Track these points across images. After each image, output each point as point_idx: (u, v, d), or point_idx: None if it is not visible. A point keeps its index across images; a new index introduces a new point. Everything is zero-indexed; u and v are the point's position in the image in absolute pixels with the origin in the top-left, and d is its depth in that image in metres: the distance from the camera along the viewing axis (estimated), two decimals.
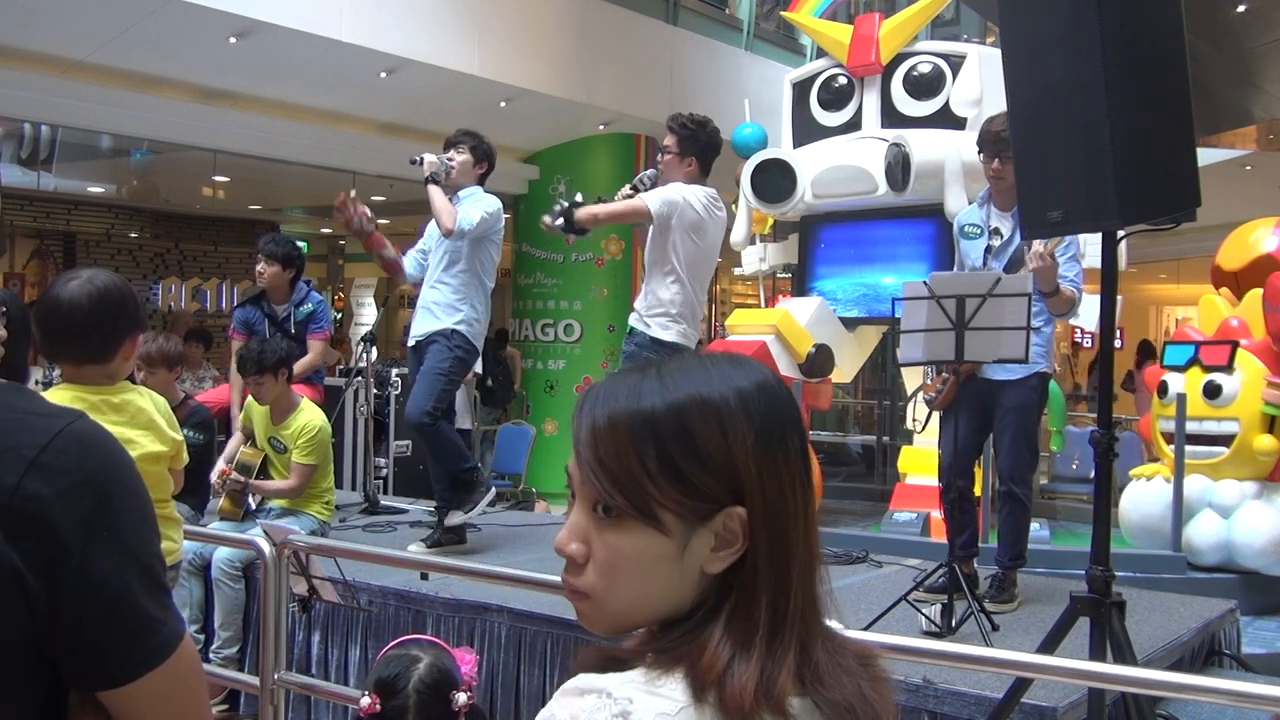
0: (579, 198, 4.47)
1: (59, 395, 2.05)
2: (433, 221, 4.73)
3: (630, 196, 4.46)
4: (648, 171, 4.61)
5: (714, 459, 0.88)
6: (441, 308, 4.73)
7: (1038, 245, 3.72)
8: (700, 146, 4.51)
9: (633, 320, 4.54)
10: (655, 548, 0.89)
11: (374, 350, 6.44)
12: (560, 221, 4.34)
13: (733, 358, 0.95)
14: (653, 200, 4.39)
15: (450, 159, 4.75)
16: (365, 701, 1.91)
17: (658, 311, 4.45)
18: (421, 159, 4.65)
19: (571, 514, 0.92)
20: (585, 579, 0.91)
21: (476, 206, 4.68)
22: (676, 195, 4.41)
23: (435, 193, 4.62)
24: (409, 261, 4.97)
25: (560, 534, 0.92)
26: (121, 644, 1.01)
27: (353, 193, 4.72)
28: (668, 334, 4.44)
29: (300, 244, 5.98)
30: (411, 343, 4.87)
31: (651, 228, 4.43)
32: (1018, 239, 4.10)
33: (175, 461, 2.26)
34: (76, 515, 0.95)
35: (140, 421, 2.12)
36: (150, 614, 1.02)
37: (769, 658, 0.88)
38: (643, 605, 0.90)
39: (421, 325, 4.77)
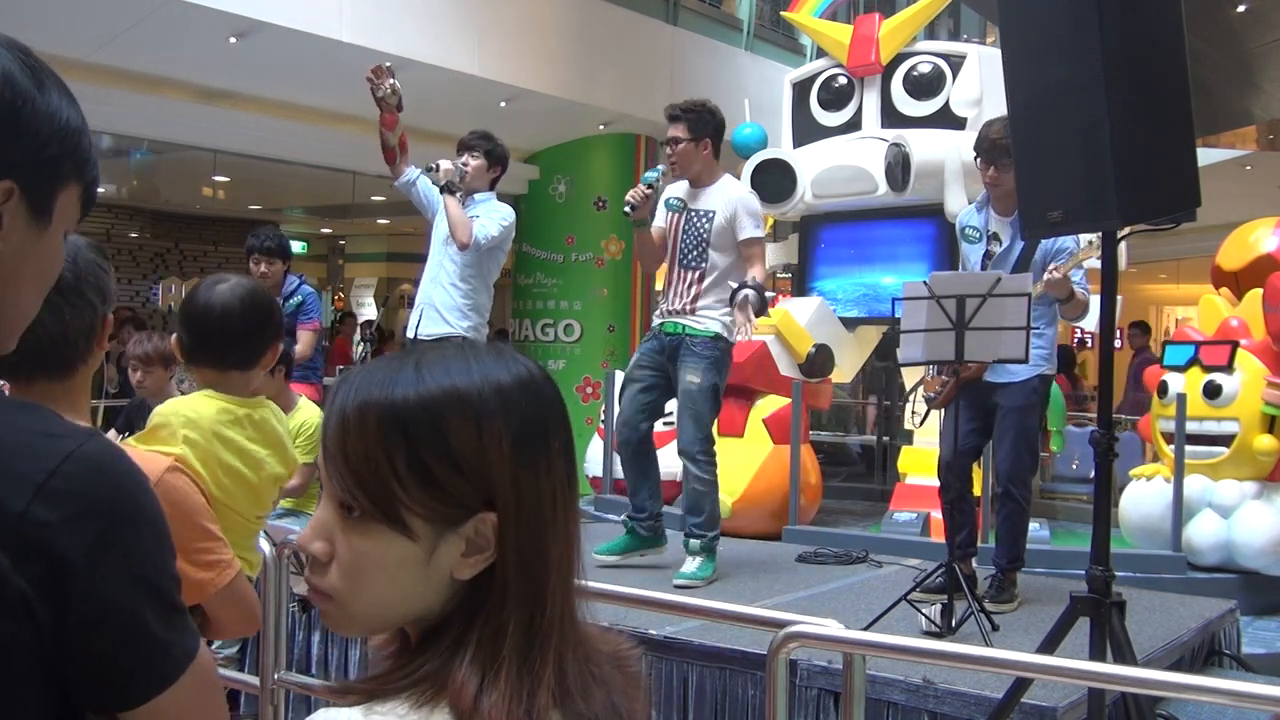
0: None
1: (205, 403, 2.05)
2: (441, 218, 4.73)
3: (642, 200, 4.32)
4: (655, 171, 4.48)
5: (468, 461, 0.83)
6: (451, 311, 4.72)
7: (1051, 272, 3.79)
8: (712, 127, 4.46)
9: (715, 327, 4.37)
10: (400, 552, 0.83)
11: (373, 350, 6.43)
12: (763, 305, 4.33)
13: (498, 350, 0.90)
14: (759, 229, 4.43)
15: (465, 164, 4.75)
16: None
17: (728, 312, 4.37)
18: (437, 166, 4.64)
19: (318, 509, 0.87)
20: (328, 580, 0.85)
21: (493, 219, 4.68)
22: (753, 204, 4.47)
23: (452, 203, 4.61)
24: (415, 175, 4.84)
25: (303, 531, 0.87)
26: (131, 667, 1.00)
27: (391, 69, 4.65)
28: (727, 330, 4.43)
29: (300, 244, 5.97)
30: (410, 334, 4.86)
31: (720, 239, 4.38)
32: (1018, 248, 4.11)
33: (288, 480, 2.28)
34: (84, 541, 0.94)
35: (272, 441, 2.13)
36: (160, 637, 1.02)
37: (523, 676, 0.82)
38: (388, 610, 0.86)
39: (429, 326, 4.75)
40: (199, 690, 1.07)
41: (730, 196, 4.44)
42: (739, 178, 6.76)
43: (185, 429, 1.99)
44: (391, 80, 4.60)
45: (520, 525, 0.84)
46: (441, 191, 4.65)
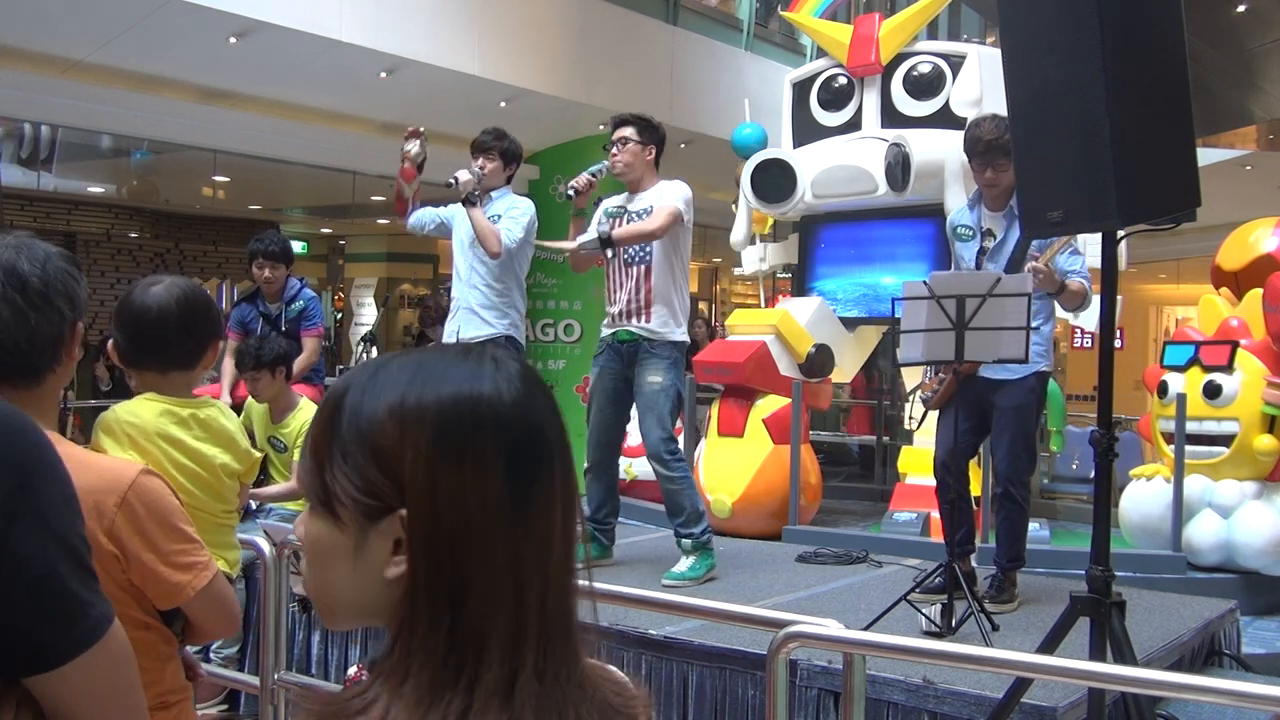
0: (605, 208, 4.51)
1: (148, 406, 2.04)
2: (463, 223, 4.80)
3: (580, 190, 4.47)
4: (600, 164, 4.57)
5: (385, 453, 0.81)
6: (489, 311, 4.79)
7: (1030, 265, 3.77)
8: (658, 136, 4.59)
9: (672, 334, 4.47)
10: (330, 539, 0.84)
11: (374, 350, 6.43)
12: (597, 245, 4.40)
13: (479, 358, 0.86)
14: (677, 201, 4.47)
15: (481, 166, 4.84)
16: (352, 671, 1.93)
17: (682, 320, 4.53)
18: (456, 180, 4.71)
19: None
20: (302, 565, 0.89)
21: (515, 218, 4.78)
22: (683, 190, 4.52)
23: (476, 215, 4.68)
24: (424, 214, 4.97)
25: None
26: (49, 627, 0.99)
27: (425, 141, 4.85)
28: (684, 335, 4.58)
29: (300, 244, 5.99)
30: (451, 339, 4.90)
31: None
32: (1012, 239, 4.10)
33: (247, 476, 2.27)
34: None
35: (222, 439, 2.14)
36: (78, 596, 1.01)
37: (430, 705, 0.78)
38: (335, 601, 0.86)
39: (469, 329, 4.80)
40: (116, 659, 1.06)
41: (663, 190, 4.55)
42: (739, 178, 6.78)
43: (130, 433, 1.99)
44: (420, 142, 4.78)
45: (434, 529, 0.81)
46: (464, 204, 4.73)
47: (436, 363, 0.86)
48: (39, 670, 1.00)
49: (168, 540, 1.66)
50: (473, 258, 4.80)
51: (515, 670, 0.80)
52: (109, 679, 1.05)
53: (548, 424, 0.86)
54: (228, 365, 5.41)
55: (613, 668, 0.91)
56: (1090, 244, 5.09)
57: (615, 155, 4.54)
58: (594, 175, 4.52)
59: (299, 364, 5.33)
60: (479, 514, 0.81)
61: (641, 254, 4.50)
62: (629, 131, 4.52)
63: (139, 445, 1.98)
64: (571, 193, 4.50)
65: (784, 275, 8.13)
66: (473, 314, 4.78)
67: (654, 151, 4.57)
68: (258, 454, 2.34)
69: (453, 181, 4.70)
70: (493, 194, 4.88)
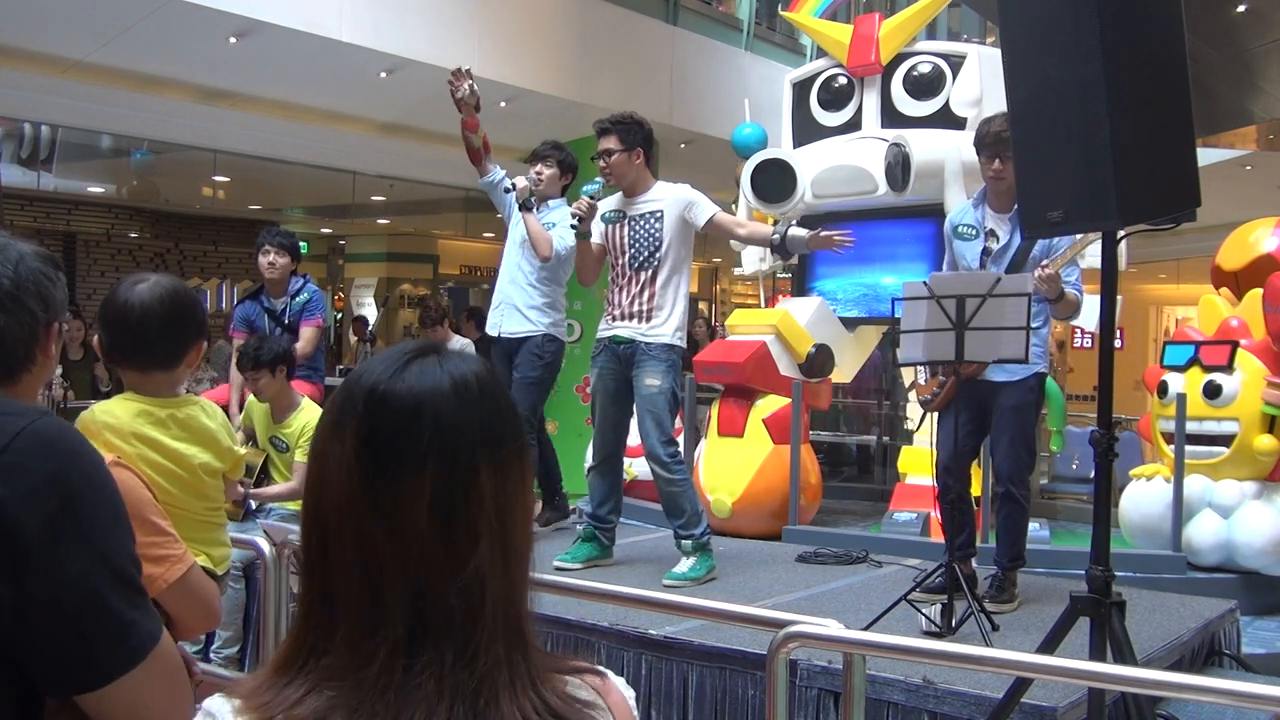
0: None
1: (124, 406, 2.04)
2: (516, 223, 4.95)
3: (584, 215, 4.43)
4: (595, 183, 4.53)
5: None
6: (532, 310, 5.00)
7: (1040, 270, 3.77)
8: (642, 137, 4.54)
9: (668, 337, 4.46)
10: None
11: (371, 349, 6.42)
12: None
13: (423, 356, 0.88)
14: (713, 205, 4.54)
15: (539, 173, 5.05)
16: None
17: (680, 324, 4.52)
18: (514, 186, 4.88)
19: None
20: None
21: (568, 228, 4.83)
22: (699, 194, 4.55)
23: (530, 220, 4.90)
24: (500, 175, 5.04)
25: None
26: (95, 646, 0.99)
27: (470, 72, 4.87)
28: (681, 339, 4.56)
29: (300, 244, 6.00)
30: (494, 332, 5.13)
31: (674, 235, 4.49)
32: (1016, 243, 4.10)
33: (233, 473, 2.26)
34: (41, 517, 0.94)
35: (202, 438, 2.13)
36: (123, 615, 1.01)
37: (296, 675, 0.81)
38: None
39: (512, 324, 5.01)
40: (165, 675, 1.06)
41: (674, 195, 4.53)
42: (739, 178, 6.78)
43: (105, 433, 1.99)
44: (470, 82, 4.83)
45: (315, 502, 0.85)
46: (520, 209, 4.91)
47: (389, 353, 0.89)
48: (85, 690, 1.00)
49: (136, 532, 1.66)
50: (521, 257, 4.97)
51: (371, 652, 0.80)
52: (156, 694, 1.05)
53: (450, 418, 0.85)
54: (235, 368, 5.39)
55: (588, 681, 0.89)
56: (1090, 244, 5.09)
57: (603, 168, 4.53)
58: (592, 197, 4.49)
59: (297, 351, 5.30)
60: (335, 485, 0.84)
61: (653, 260, 4.49)
62: (611, 143, 4.48)
63: (115, 446, 1.98)
64: (576, 221, 4.48)
65: (784, 275, 8.13)
66: (517, 311, 4.99)
67: (641, 154, 4.53)
68: (241, 451, 2.33)
69: (510, 188, 4.88)
70: (550, 203, 5.07)
